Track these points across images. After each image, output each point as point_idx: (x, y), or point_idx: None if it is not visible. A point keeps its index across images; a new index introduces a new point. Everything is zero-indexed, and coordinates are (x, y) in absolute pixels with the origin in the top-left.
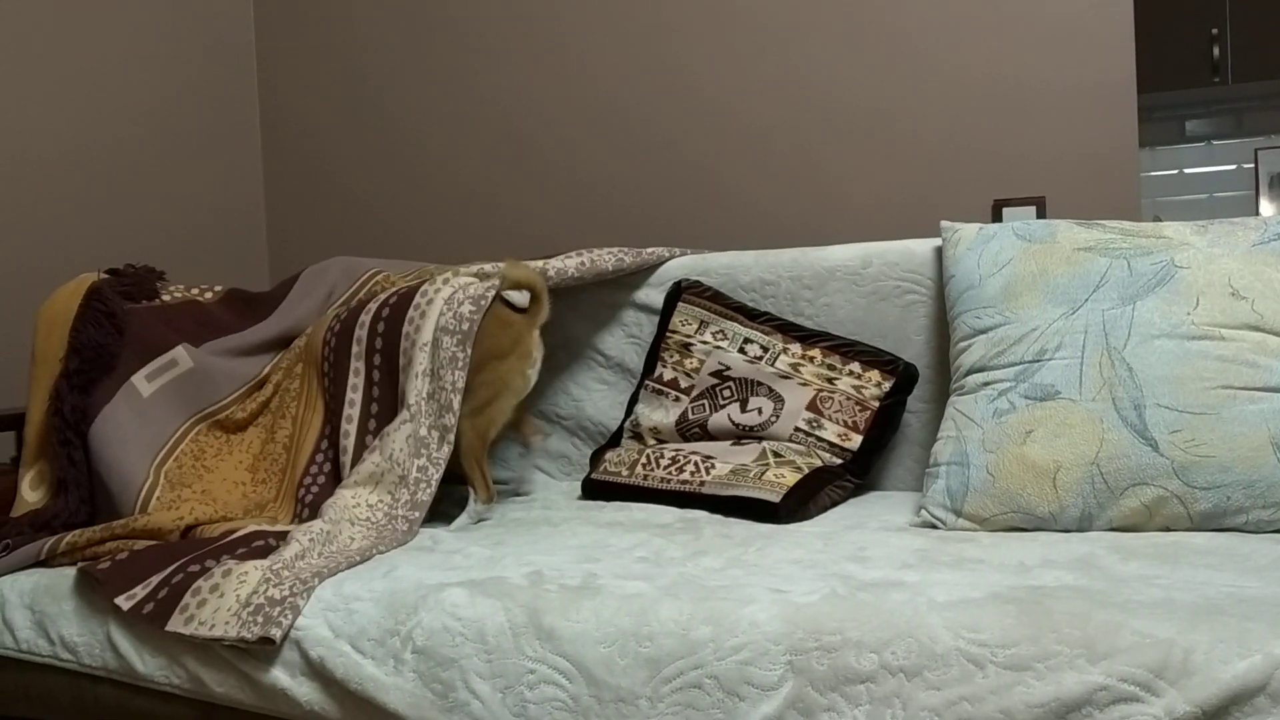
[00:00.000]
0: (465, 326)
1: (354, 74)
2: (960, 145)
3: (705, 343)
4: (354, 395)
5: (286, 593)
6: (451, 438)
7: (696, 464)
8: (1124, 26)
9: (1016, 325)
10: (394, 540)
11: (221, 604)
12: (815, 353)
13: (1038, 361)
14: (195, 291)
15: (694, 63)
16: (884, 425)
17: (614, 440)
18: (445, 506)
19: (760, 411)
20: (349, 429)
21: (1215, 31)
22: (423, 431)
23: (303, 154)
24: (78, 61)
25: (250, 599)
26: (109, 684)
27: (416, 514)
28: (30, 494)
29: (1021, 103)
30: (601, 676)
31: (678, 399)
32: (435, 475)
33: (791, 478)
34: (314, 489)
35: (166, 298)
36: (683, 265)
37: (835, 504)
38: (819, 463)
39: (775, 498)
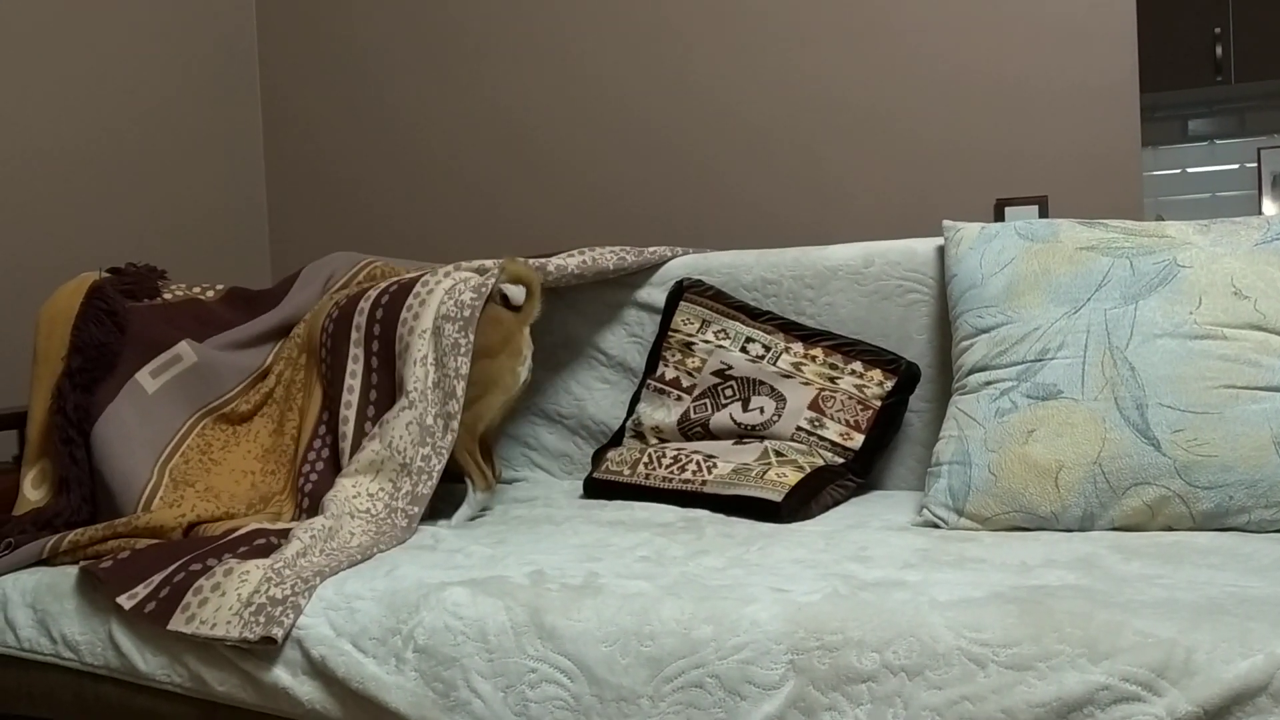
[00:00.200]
0: (467, 314)
1: (356, 73)
2: (962, 145)
3: (707, 342)
4: (352, 382)
5: (288, 592)
6: (455, 425)
7: (698, 463)
8: (1126, 25)
9: (1019, 324)
10: (394, 538)
11: (223, 603)
12: (817, 352)
13: (1040, 361)
14: (197, 290)
15: (696, 61)
16: (886, 424)
17: (616, 439)
18: (443, 507)
19: (762, 411)
20: (348, 415)
21: (1218, 31)
22: (428, 420)
23: (305, 153)
24: (80, 60)
25: (252, 598)
26: (111, 683)
27: (416, 509)
28: (32, 493)
29: (1024, 102)
30: (603, 676)
31: (680, 398)
32: (438, 466)
33: (793, 477)
34: (313, 477)
35: (168, 296)
36: (684, 264)
37: (837, 503)
38: (821, 462)
39: (777, 497)
